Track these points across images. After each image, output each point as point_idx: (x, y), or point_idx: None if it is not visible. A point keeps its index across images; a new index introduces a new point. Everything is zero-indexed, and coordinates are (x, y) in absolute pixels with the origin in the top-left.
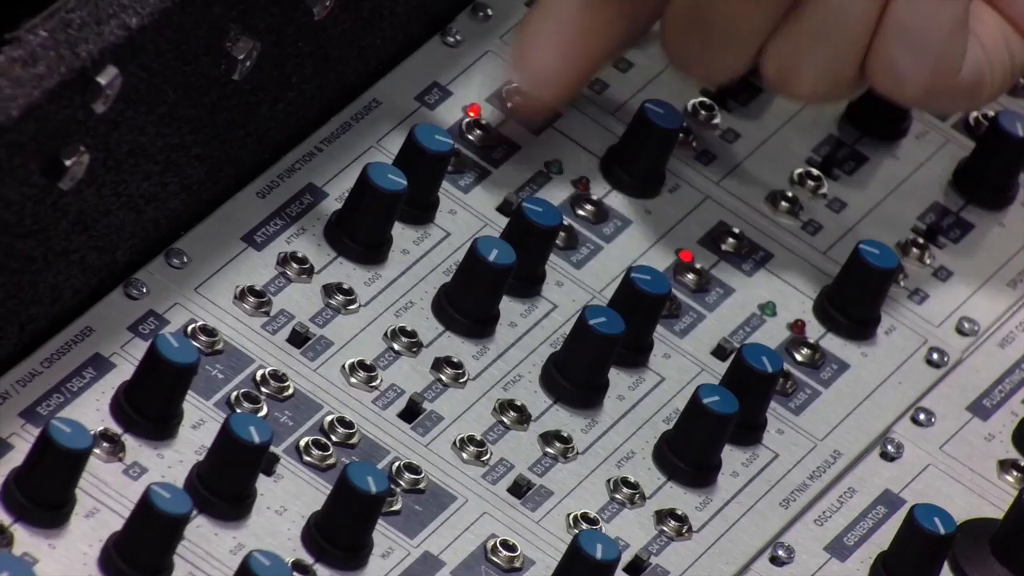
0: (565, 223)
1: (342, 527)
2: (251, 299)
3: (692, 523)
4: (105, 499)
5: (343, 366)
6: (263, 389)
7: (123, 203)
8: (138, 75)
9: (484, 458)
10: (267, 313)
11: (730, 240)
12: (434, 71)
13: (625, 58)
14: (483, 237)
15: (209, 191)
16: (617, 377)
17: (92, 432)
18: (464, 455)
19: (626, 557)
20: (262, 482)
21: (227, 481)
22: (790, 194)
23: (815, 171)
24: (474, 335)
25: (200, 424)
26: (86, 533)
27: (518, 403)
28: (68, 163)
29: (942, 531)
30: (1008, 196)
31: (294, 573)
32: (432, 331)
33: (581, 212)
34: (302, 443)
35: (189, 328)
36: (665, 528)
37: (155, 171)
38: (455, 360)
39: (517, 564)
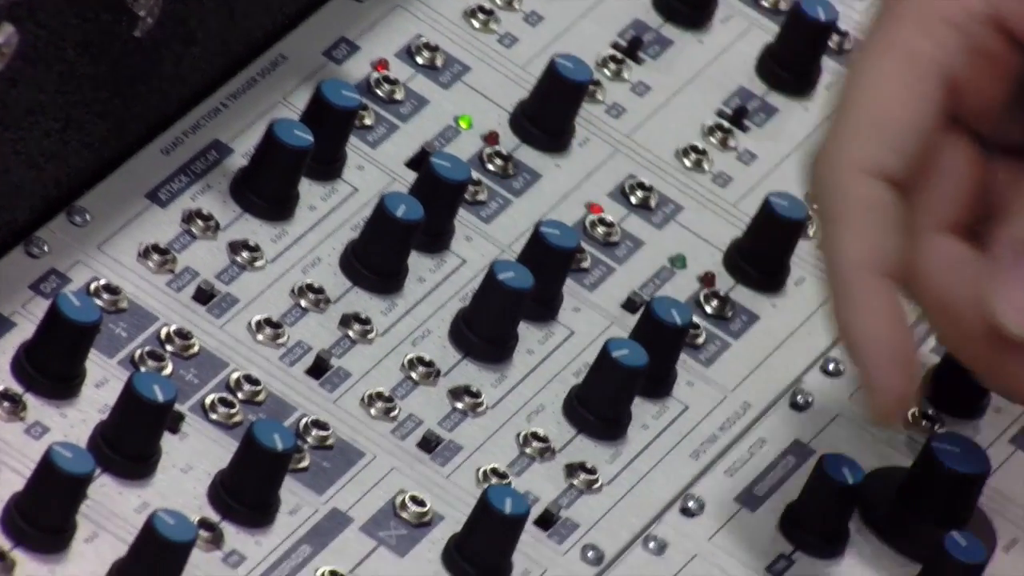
0: (474, 177)
1: (249, 485)
2: (155, 256)
3: (602, 476)
4: (7, 459)
5: (249, 323)
6: (168, 347)
7: (23, 161)
8: (36, 33)
9: (393, 414)
10: (171, 271)
11: (640, 193)
12: (341, 26)
13: (536, 12)
14: (391, 192)
15: (112, 148)
16: (527, 331)
17: None
18: (372, 411)
19: (536, 511)
20: (167, 440)
21: (131, 440)
22: (700, 146)
23: (725, 124)
24: (383, 291)
25: (103, 383)
26: None
27: (427, 358)
28: None
29: (850, 480)
30: None
31: (200, 531)
32: (340, 287)
33: (491, 167)
34: (208, 401)
35: (91, 286)
36: (575, 481)
37: (56, 128)
38: (363, 316)
39: (426, 519)
